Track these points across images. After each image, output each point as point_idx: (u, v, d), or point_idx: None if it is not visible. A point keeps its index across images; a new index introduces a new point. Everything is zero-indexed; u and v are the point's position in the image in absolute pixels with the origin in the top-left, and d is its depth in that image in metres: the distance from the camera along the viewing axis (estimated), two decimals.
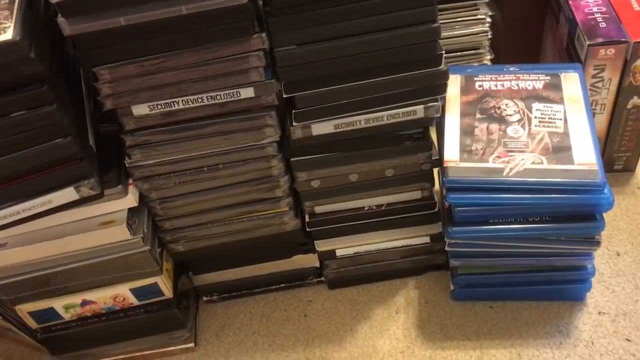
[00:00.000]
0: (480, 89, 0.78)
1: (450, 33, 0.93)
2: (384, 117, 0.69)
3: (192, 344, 0.83)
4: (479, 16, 0.93)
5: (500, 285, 0.80)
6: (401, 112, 0.68)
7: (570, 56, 0.87)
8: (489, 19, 0.93)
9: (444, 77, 0.67)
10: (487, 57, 0.96)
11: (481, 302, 0.82)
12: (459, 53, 0.95)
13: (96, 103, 0.66)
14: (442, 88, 0.68)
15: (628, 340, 0.77)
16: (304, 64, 0.63)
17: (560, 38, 0.91)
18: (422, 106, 0.68)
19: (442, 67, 0.66)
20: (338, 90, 0.66)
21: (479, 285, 0.81)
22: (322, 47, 0.62)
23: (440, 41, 0.65)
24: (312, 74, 0.64)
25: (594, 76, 0.83)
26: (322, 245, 0.82)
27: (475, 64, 0.95)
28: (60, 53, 0.64)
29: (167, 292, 0.78)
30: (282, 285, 0.87)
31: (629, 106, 0.86)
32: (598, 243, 0.71)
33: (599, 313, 0.79)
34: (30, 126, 0.58)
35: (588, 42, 0.80)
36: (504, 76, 0.79)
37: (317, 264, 0.85)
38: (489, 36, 0.94)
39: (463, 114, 0.75)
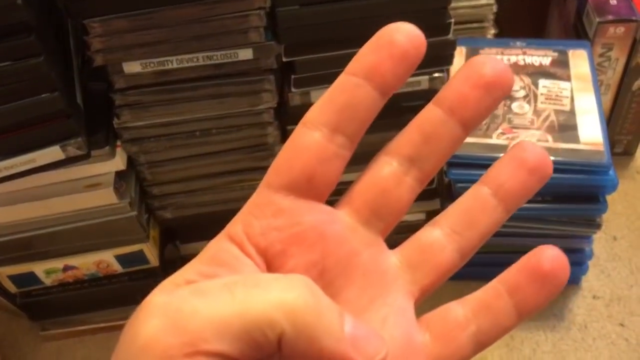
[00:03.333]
0: None
1: (455, 4, 0.89)
2: None
3: None
4: None
5: (496, 265, 0.78)
6: (405, 83, 0.66)
7: (578, 33, 0.85)
8: None
9: (451, 47, 0.64)
10: (491, 32, 0.93)
11: (475, 281, 0.80)
12: (462, 25, 0.92)
13: (85, 59, 0.63)
14: (449, 59, 0.65)
15: (622, 325, 0.76)
16: (307, 25, 0.60)
17: (568, 14, 0.89)
18: (427, 77, 0.66)
19: (451, 36, 0.63)
20: (341, 56, 0.62)
21: (474, 265, 0.78)
22: (327, 8, 0.59)
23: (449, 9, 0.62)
24: (315, 37, 0.61)
25: (601, 55, 0.81)
26: None
27: (481, 37, 0.93)
28: (48, 3, 0.60)
29: (153, 260, 0.75)
30: None
31: (634, 88, 0.84)
32: (599, 225, 0.70)
33: (594, 297, 0.78)
34: (15, 78, 0.54)
35: (597, 19, 0.78)
36: (510, 50, 0.76)
37: None
38: (495, 9, 0.91)
39: None
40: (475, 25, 0.91)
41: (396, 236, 0.90)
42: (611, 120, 0.88)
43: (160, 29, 0.59)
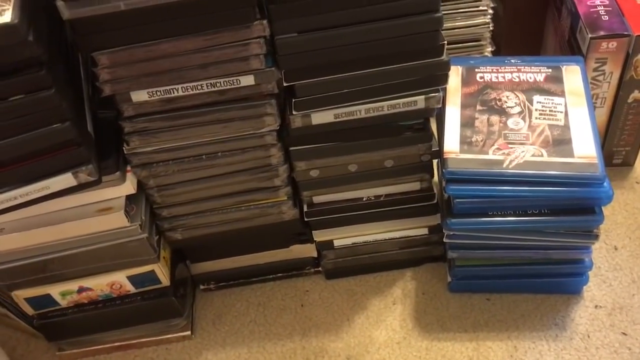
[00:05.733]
0: (481, 80, 0.77)
1: (452, 24, 0.92)
2: (385, 107, 0.68)
3: (188, 332, 0.83)
4: (480, 8, 0.92)
5: (498, 278, 0.80)
6: (402, 102, 0.68)
7: (572, 49, 0.86)
8: (490, 11, 0.93)
9: (445, 67, 0.66)
10: (488, 49, 0.95)
11: (478, 294, 0.82)
12: (459, 45, 0.94)
13: (94, 88, 0.66)
14: (444, 79, 0.67)
15: (624, 334, 0.77)
16: (305, 52, 0.63)
17: (562, 31, 0.91)
18: (423, 96, 0.68)
19: (444, 57, 0.65)
20: (339, 79, 0.66)
21: (476, 277, 0.81)
22: (323, 35, 0.62)
23: (442, 32, 0.64)
24: (312, 62, 0.64)
25: (595, 69, 0.83)
26: (319, 236, 0.82)
27: (476, 56, 0.95)
28: (58, 37, 0.63)
29: (164, 280, 0.78)
30: (279, 274, 0.87)
31: (629, 100, 0.85)
32: (596, 236, 0.71)
33: (596, 306, 0.79)
34: (28, 110, 0.57)
35: (590, 35, 0.80)
36: (505, 68, 0.78)
37: (315, 254, 0.85)
38: (491, 28, 0.93)
39: (464, 106, 0.75)
40: (472, 44, 0.94)
41: (401, 251, 0.92)
42: (609, 132, 0.89)
43: (165, 59, 0.61)
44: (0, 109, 0.57)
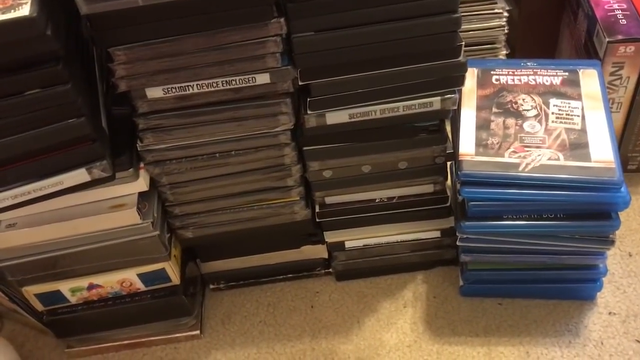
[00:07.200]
0: (497, 83, 0.77)
1: (467, 26, 0.92)
2: (400, 107, 0.68)
3: (197, 331, 0.82)
4: (496, 10, 0.92)
5: (510, 282, 0.79)
6: (417, 104, 0.68)
7: (588, 53, 0.86)
8: (506, 14, 0.92)
9: (462, 68, 0.66)
10: (503, 52, 0.95)
11: (490, 298, 0.81)
12: (474, 47, 0.94)
13: (109, 85, 0.66)
14: (460, 80, 0.67)
15: (638, 341, 0.76)
16: (321, 51, 0.63)
17: (578, 34, 0.90)
18: (439, 98, 0.67)
19: (461, 58, 0.65)
20: (354, 79, 0.65)
21: (488, 282, 0.80)
22: (340, 34, 0.62)
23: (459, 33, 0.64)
24: (329, 62, 0.63)
25: (612, 74, 0.82)
26: (331, 237, 0.81)
27: (491, 58, 0.95)
28: (75, 32, 0.63)
29: (175, 278, 0.77)
30: (290, 275, 0.87)
31: None
32: (612, 242, 0.71)
33: (609, 313, 0.79)
34: (43, 105, 0.57)
35: (607, 39, 0.79)
36: (521, 71, 0.78)
37: (326, 255, 0.84)
38: (506, 31, 0.93)
39: (479, 108, 0.74)
40: (487, 46, 0.94)
41: (413, 254, 0.91)
42: (624, 138, 0.89)
43: (181, 56, 0.61)
44: (16, 103, 0.56)
